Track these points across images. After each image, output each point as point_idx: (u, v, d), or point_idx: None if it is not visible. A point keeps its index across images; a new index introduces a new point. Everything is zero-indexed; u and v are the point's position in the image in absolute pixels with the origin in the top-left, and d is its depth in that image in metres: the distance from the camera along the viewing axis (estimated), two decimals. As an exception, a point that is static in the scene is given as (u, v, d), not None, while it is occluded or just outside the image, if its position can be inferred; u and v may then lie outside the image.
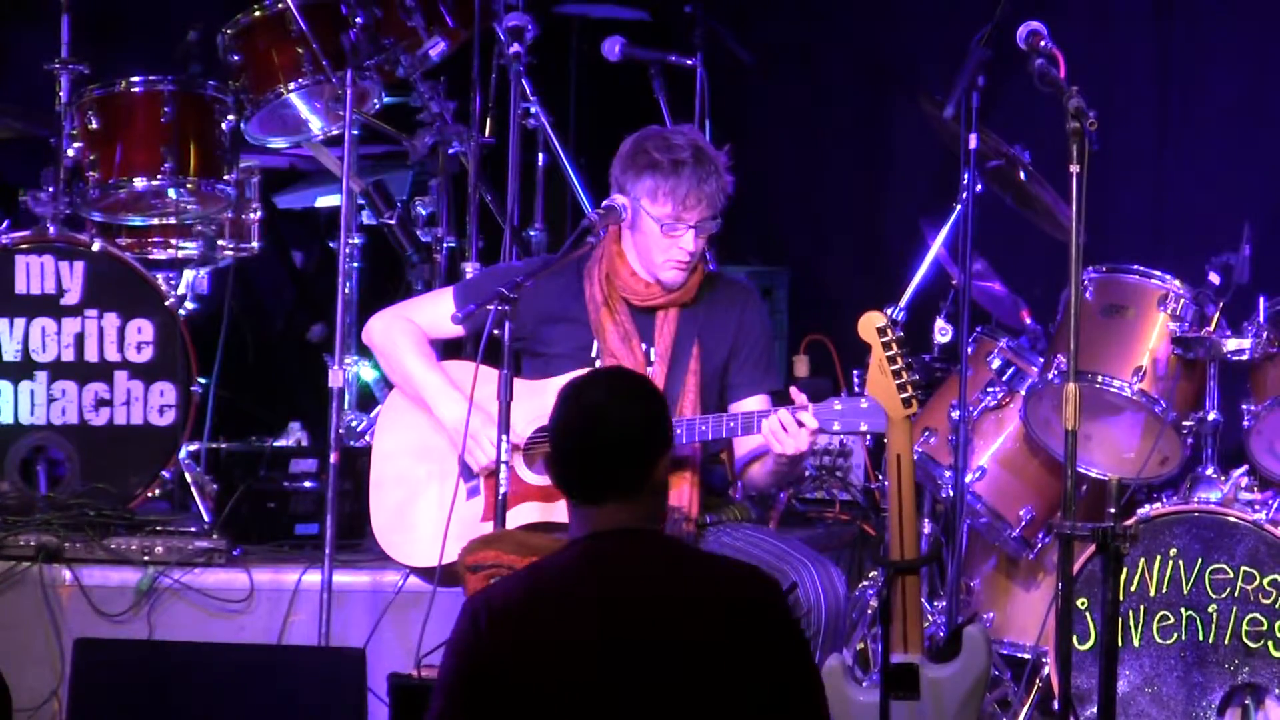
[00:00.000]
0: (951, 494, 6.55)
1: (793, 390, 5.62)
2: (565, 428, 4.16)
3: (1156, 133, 8.09)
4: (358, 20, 6.91)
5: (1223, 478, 6.34)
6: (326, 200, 8.24)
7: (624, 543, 4.09)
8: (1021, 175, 6.69)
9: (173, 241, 7.28)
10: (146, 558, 6.47)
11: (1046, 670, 6.42)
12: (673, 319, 5.86)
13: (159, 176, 6.98)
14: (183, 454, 6.97)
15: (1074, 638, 5.85)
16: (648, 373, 5.80)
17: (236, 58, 7.10)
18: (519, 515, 5.72)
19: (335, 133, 7.21)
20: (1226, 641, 6.16)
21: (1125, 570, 6.03)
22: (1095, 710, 5.46)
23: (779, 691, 4.03)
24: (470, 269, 7.19)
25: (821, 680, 4.15)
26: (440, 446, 5.87)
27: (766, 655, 4.03)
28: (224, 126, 7.07)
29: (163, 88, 7.01)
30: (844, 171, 8.81)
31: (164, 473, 6.94)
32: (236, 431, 7.53)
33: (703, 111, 7.54)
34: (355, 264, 7.24)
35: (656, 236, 5.74)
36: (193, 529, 6.65)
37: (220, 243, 7.32)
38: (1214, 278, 6.45)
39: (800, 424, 5.53)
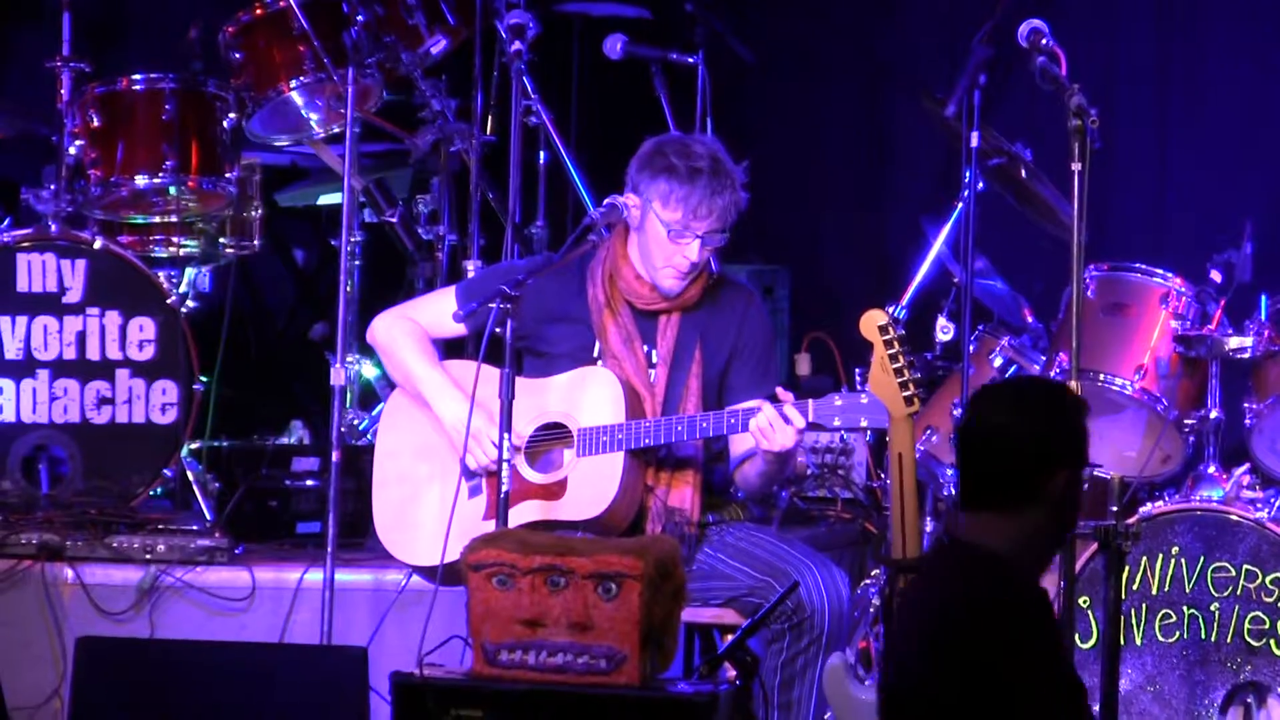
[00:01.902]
0: (953, 492, 6.54)
1: (779, 389, 5.61)
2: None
3: (1158, 130, 8.08)
4: (359, 18, 6.91)
5: (1225, 476, 6.34)
6: (328, 198, 8.23)
7: (941, 559, 4.01)
8: (1023, 173, 6.69)
9: (174, 239, 7.28)
10: (148, 556, 6.47)
11: (1048, 668, 6.41)
12: (675, 322, 5.84)
13: (160, 174, 6.97)
14: (184, 452, 6.97)
15: (1076, 636, 5.84)
16: (649, 375, 5.80)
17: (238, 55, 7.10)
18: (521, 514, 5.71)
19: (336, 130, 7.21)
20: (1229, 640, 6.15)
21: (1127, 568, 6.02)
22: (1097, 709, 5.45)
23: None
24: (472, 267, 7.18)
25: None
26: (442, 445, 5.86)
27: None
28: (225, 124, 7.06)
29: (164, 85, 7.01)
30: (845, 170, 8.80)
31: (166, 471, 6.93)
32: (238, 430, 7.52)
33: (703, 110, 7.53)
34: (357, 262, 7.24)
35: (662, 241, 5.72)
36: (194, 527, 6.64)
37: (221, 240, 7.32)
38: (1216, 275, 6.45)
39: (787, 420, 5.52)
